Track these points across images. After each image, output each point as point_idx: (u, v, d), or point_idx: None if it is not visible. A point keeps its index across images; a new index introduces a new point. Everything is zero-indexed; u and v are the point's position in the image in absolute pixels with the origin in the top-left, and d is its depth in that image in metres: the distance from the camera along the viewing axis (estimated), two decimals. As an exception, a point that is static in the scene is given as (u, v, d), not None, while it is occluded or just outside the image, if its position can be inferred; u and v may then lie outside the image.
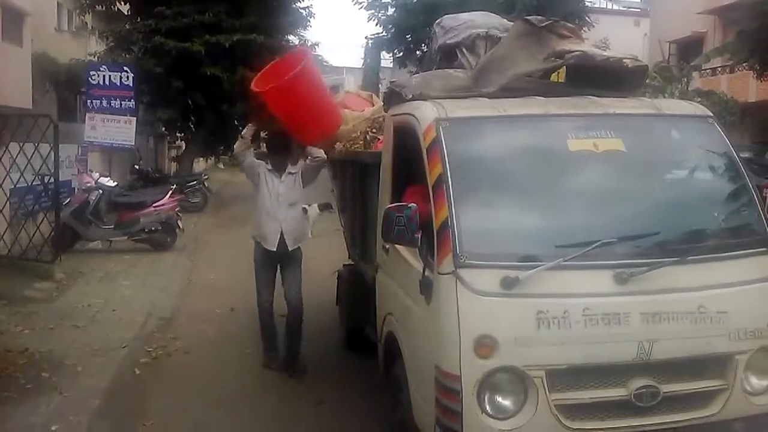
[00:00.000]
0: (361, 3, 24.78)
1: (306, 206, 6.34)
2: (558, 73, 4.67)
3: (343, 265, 7.07)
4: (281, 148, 6.20)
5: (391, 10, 24.83)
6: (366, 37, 28.14)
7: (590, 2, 26.04)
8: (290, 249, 6.12)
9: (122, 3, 20.77)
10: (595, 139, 3.90)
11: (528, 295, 3.36)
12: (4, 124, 10.11)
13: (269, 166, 6.19)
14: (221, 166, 37.77)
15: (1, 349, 6.31)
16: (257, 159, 6.33)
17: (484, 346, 3.32)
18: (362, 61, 42.53)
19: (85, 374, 5.89)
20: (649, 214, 3.83)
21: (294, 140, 6.22)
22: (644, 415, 3.42)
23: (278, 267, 6.27)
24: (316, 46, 24.96)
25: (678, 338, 3.46)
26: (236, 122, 20.61)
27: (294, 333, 6.23)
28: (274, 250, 6.09)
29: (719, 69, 23.97)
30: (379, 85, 30.68)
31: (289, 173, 6.19)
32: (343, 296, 6.87)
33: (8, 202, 9.89)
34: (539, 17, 4.69)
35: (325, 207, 13.39)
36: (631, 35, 29.57)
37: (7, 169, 9.77)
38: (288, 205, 6.15)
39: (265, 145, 6.50)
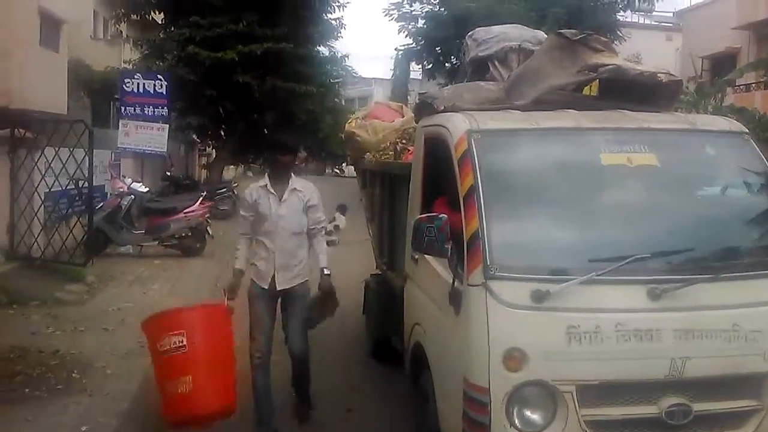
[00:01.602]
0: (391, 15, 24.92)
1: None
2: (590, 86, 4.65)
3: (371, 274, 7.09)
4: (283, 160, 5.13)
5: (421, 22, 24.91)
6: (395, 49, 28.26)
7: (621, 16, 25.86)
8: (280, 288, 5.06)
9: (156, 12, 21.12)
10: (629, 154, 3.88)
11: (559, 309, 3.34)
12: (40, 129, 10.32)
13: (269, 185, 5.07)
14: (251, 174, 38.15)
15: (33, 350, 6.42)
16: (255, 184, 5.29)
17: (514, 359, 3.30)
18: (391, 72, 42.74)
19: (115, 377, 5.96)
20: (682, 230, 3.80)
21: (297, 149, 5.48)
22: (675, 434, 3.37)
23: (279, 304, 5.24)
24: (345, 58, 25.19)
25: (711, 356, 3.41)
26: (266, 131, 20.83)
27: (302, 379, 5.37)
28: (266, 288, 5.07)
29: (753, 85, 23.63)
30: (408, 97, 30.78)
31: (294, 190, 5.07)
32: (371, 306, 6.88)
33: (43, 206, 10.08)
34: (573, 31, 4.68)
35: (343, 210, 13.46)
36: (663, 50, 29.30)
37: (43, 174, 9.96)
38: (291, 233, 5.03)
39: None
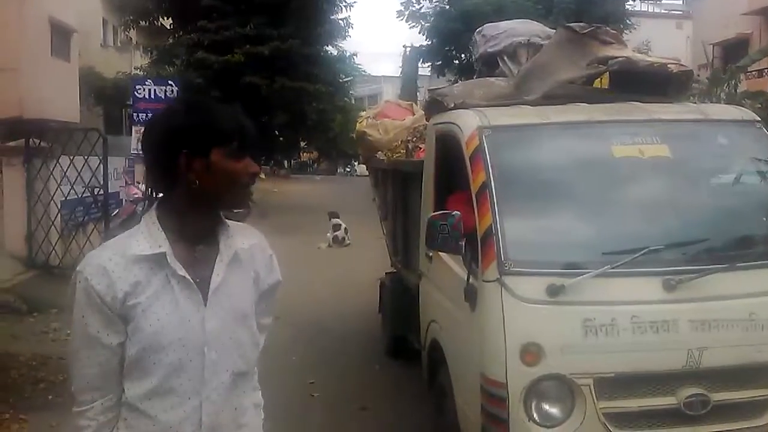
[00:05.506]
0: (403, 15, 24.91)
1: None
2: (601, 79, 4.66)
3: (386, 273, 7.11)
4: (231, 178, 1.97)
5: (430, 20, 24.87)
6: (404, 46, 28.25)
7: (630, 5, 25.73)
8: None
9: (165, 18, 21.26)
10: (641, 146, 3.87)
11: (574, 303, 3.35)
12: (54, 138, 10.43)
13: (169, 254, 1.80)
14: (262, 176, 38.28)
15: (55, 357, 6.48)
16: (112, 247, 1.83)
17: (531, 353, 3.31)
18: (400, 69, 42.71)
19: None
20: (696, 221, 3.79)
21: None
22: (694, 424, 3.36)
23: None
24: (354, 57, 25.24)
25: (728, 346, 3.40)
26: (276, 132, 20.90)
27: None
28: None
29: (766, 70, 23.43)
30: (417, 94, 30.75)
31: (235, 261, 1.91)
32: (386, 304, 6.90)
33: (59, 214, 10.18)
34: (581, 24, 4.68)
35: (336, 215, 13.23)
36: (673, 38, 29.14)
37: (58, 182, 10.06)
38: (232, 373, 1.86)
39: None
